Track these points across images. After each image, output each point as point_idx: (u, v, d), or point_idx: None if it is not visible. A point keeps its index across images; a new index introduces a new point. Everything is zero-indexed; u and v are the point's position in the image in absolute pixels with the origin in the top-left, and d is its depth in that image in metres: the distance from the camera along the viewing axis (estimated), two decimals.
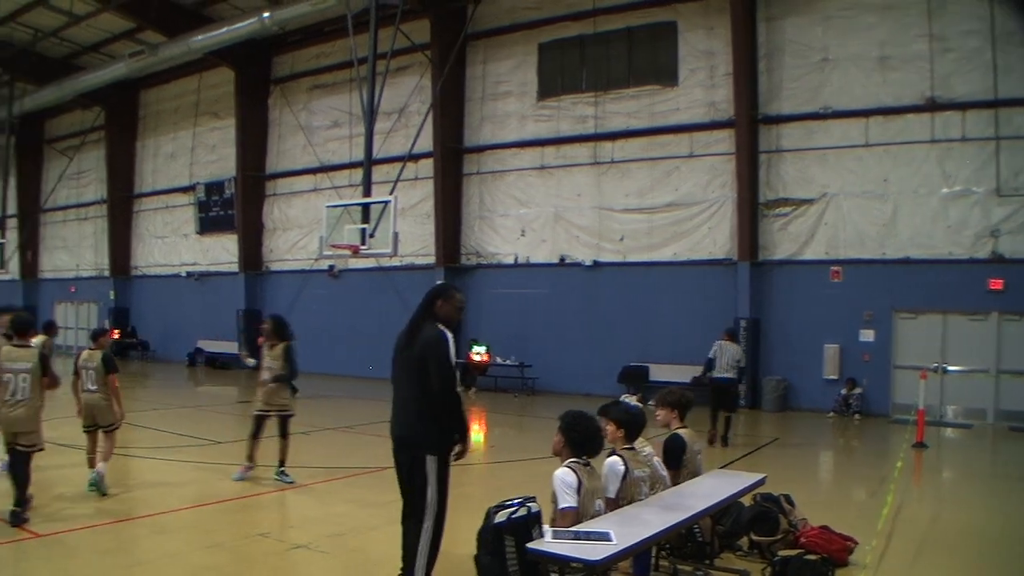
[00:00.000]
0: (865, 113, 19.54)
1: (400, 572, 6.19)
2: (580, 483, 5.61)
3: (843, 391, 19.29)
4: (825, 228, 20.07)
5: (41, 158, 41.16)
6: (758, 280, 20.70)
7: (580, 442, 5.82)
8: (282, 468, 10.74)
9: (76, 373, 10.12)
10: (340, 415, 17.75)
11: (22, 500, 8.40)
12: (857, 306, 19.54)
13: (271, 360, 10.72)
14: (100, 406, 9.94)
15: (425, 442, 6.08)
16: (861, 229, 19.65)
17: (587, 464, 5.83)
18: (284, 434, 10.76)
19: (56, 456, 10.88)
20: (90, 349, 10.18)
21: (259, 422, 10.75)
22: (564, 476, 5.63)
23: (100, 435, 10.09)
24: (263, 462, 10.99)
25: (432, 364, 6.00)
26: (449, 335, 6.13)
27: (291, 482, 10.60)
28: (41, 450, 8.74)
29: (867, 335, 19.53)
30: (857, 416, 18.87)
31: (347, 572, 7.40)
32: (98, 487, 9.59)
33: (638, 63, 22.71)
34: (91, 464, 9.94)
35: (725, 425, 14.99)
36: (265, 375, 10.75)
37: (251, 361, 10.98)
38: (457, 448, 6.21)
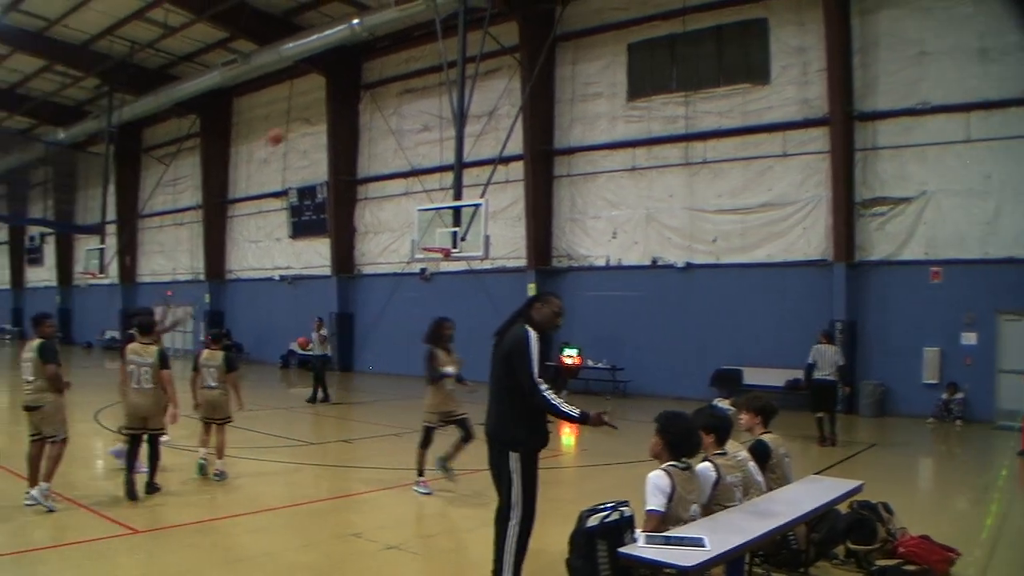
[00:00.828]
0: (965, 107, 18.89)
1: (492, 572, 6.21)
2: (673, 488, 5.50)
3: (944, 396, 18.68)
4: (924, 227, 19.50)
5: (139, 166, 42.71)
6: (854, 281, 20.21)
7: (676, 443, 5.70)
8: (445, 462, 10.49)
9: (196, 370, 11.25)
10: None
11: (152, 473, 9.96)
12: (958, 308, 18.91)
13: (454, 366, 10.56)
14: (219, 402, 11.16)
15: (509, 438, 6.16)
16: (962, 228, 19.01)
17: (687, 467, 5.72)
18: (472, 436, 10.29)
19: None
20: (210, 350, 11.36)
21: (431, 433, 10.50)
22: (657, 480, 5.53)
23: (214, 429, 11.11)
24: (400, 465, 11.17)
25: (515, 362, 6.06)
26: (533, 334, 6.12)
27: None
28: (164, 433, 10.26)
29: (969, 338, 18.89)
30: (958, 422, 18.23)
31: (440, 573, 7.44)
32: (218, 477, 10.90)
33: (729, 61, 22.41)
34: (203, 443, 11.15)
35: (830, 424, 15.20)
36: (449, 384, 10.50)
37: (451, 370, 10.65)
38: (598, 418, 6.06)
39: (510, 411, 6.16)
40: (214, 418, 11.11)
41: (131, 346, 10.00)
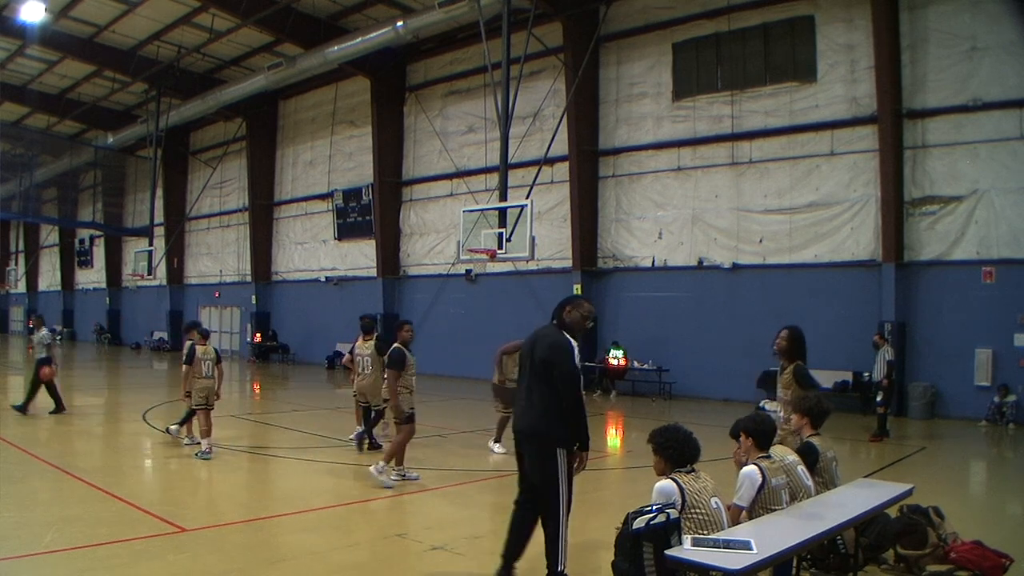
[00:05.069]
0: (1019, 104, 18.49)
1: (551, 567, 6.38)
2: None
3: (996, 399, 18.36)
4: (976, 227, 19.12)
5: (186, 169, 43.44)
6: (904, 282, 19.88)
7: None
8: None
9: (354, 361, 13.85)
10: (476, 418, 17.83)
11: (370, 435, 13.23)
12: (1012, 309, 18.48)
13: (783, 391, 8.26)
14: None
15: (555, 434, 6.39)
16: (1016, 227, 18.59)
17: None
18: None
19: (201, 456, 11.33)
20: (363, 341, 13.41)
21: None
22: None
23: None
24: (445, 466, 11.12)
25: (556, 368, 6.33)
26: (572, 341, 6.45)
27: None
28: (379, 409, 12.85)
29: (1023, 340, 18.55)
30: (1011, 425, 17.87)
31: (484, 574, 7.40)
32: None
33: (775, 60, 22.19)
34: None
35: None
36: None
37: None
38: (576, 463, 6.46)
39: (555, 410, 6.36)
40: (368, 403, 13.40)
41: (358, 344, 13.38)
